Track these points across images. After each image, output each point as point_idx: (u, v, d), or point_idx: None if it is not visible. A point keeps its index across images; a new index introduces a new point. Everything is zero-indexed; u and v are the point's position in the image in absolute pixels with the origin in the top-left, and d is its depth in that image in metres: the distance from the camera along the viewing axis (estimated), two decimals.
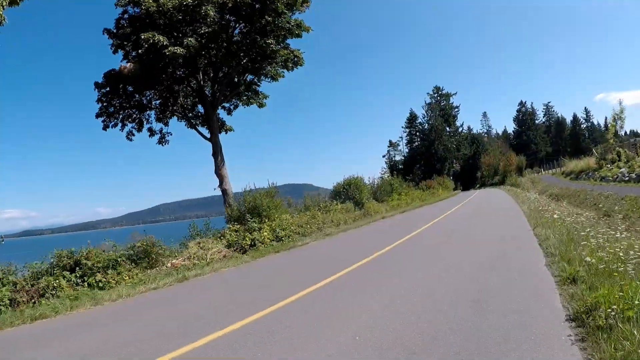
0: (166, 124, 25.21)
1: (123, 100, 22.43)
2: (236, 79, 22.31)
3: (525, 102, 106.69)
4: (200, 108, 25.11)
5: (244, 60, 19.87)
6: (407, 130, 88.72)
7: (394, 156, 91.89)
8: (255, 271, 10.48)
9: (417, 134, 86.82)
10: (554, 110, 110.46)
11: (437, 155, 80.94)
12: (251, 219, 16.61)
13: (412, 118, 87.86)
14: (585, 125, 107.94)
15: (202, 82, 22.97)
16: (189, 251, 14.28)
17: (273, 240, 15.69)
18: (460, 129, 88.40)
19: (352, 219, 21.86)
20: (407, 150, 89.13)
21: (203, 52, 18.94)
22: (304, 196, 24.14)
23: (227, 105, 25.38)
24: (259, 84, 22.93)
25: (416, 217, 22.07)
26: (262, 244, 15.25)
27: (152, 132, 25.30)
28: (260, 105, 24.71)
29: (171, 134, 25.51)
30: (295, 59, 21.05)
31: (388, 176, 34.60)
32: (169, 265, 12.73)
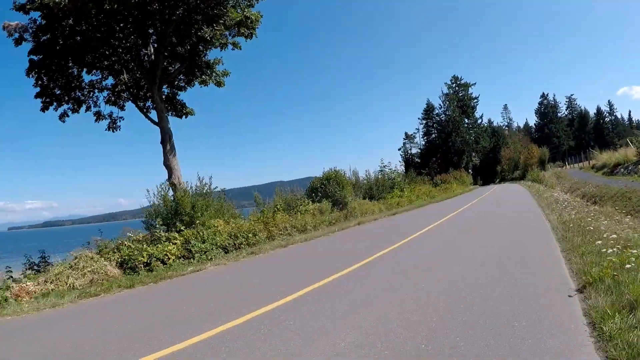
0: (122, 108, 20.54)
1: (50, 77, 17.77)
2: (178, 49, 17.23)
3: (547, 95, 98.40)
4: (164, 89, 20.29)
5: (174, 20, 14.64)
6: (424, 121, 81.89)
7: (410, 149, 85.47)
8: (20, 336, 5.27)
9: (434, 125, 79.86)
10: (576, 103, 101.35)
11: (454, 148, 74.01)
12: (161, 225, 11.69)
13: (428, 109, 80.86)
14: (608, 119, 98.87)
15: (153, 56, 18.15)
16: (53, 271, 9.68)
17: (181, 256, 10.68)
18: (479, 121, 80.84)
19: (326, 222, 16.51)
20: (423, 142, 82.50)
21: (121, 8, 13.81)
22: (281, 193, 19.07)
23: (182, 84, 20.48)
24: (203, 52, 17.66)
25: (401, 224, 16.33)
26: (164, 262, 10.29)
27: (99, 116, 20.87)
28: (219, 84, 19.61)
29: (123, 119, 21.00)
30: (250, 22, 15.80)
31: (390, 170, 28.85)
32: (16, 288, 8.38)
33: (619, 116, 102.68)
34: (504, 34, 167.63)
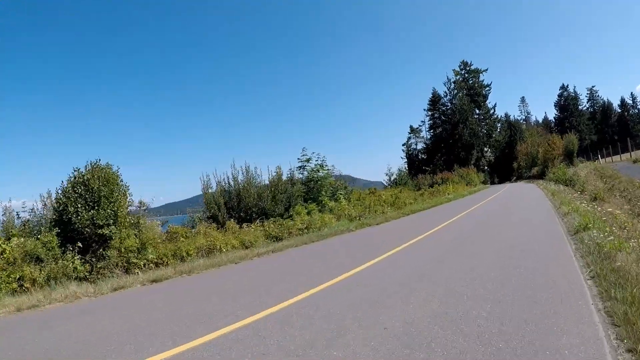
0: None
1: None
2: None
3: (567, 86, 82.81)
4: None
5: None
6: (430, 113, 68.66)
7: (416, 144, 72.21)
8: None
9: (441, 117, 66.68)
10: (598, 95, 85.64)
11: (461, 142, 60.65)
12: None
13: (435, 99, 67.60)
14: (632, 112, 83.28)
15: None
16: None
17: None
18: (492, 112, 66.91)
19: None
20: (429, 136, 69.24)
21: None
22: None
23: None
24: None
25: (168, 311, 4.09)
26: None
27: None
28: None
29: None
30: None
31: (319, 164, 16.85)
32: None
33: None
34: (523, 24, 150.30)
